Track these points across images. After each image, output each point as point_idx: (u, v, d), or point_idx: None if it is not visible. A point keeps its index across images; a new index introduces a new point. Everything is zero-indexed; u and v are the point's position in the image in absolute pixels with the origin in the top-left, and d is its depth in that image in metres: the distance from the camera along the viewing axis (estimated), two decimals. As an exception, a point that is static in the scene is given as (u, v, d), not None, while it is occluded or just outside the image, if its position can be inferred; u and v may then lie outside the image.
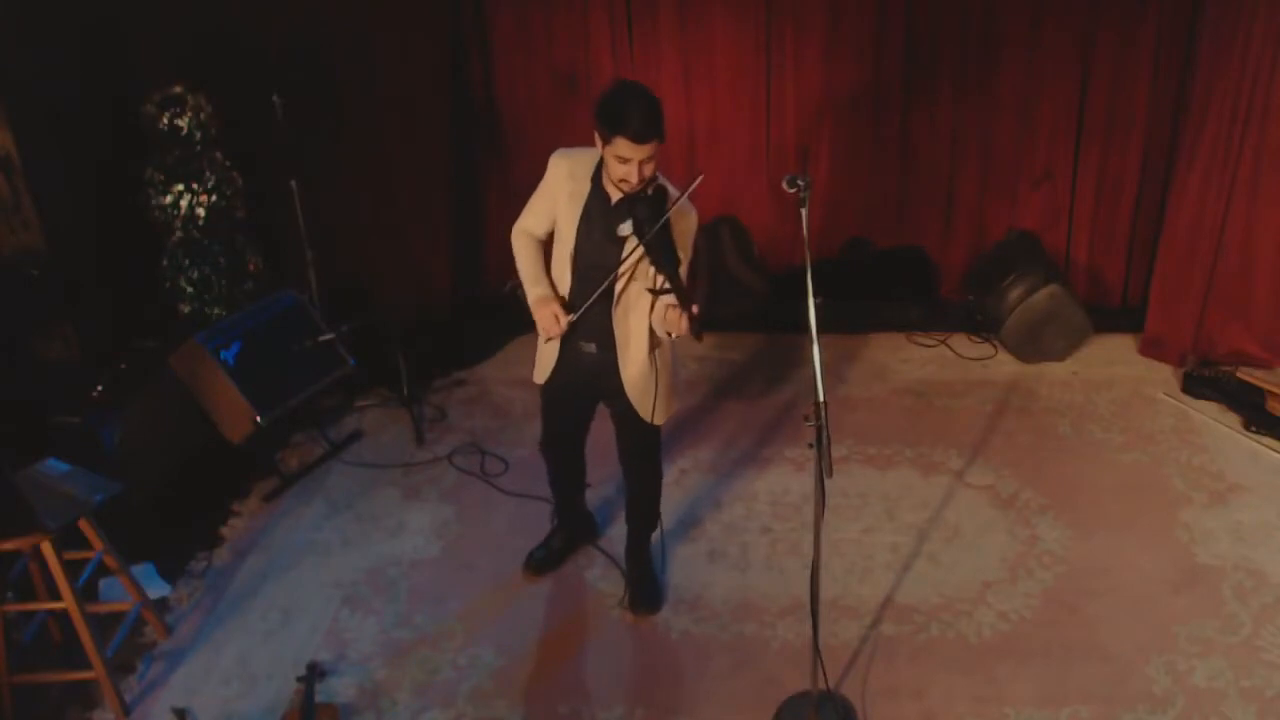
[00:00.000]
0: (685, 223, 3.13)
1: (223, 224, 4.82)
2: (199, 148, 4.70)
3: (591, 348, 3.31)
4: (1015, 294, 5.02)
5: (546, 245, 3.37)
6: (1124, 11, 4.83)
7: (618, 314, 3.22)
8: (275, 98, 4.65)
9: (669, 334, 3.09)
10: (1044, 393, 4.87)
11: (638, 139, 2.93)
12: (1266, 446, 4.40)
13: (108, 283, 4.75)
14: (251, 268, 4.97)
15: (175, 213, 4.72)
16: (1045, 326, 5.03)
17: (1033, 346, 5.07)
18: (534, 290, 3.29)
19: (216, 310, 4.84)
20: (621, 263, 3.11)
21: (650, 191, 3.01)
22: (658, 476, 3.71)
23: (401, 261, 5.39)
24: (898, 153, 5.32)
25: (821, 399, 2.72)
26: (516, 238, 3.37)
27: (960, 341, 5.29)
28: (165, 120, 4.62)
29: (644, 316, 3.21)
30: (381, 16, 4.99)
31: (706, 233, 5.42)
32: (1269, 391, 4.50)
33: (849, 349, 5.26)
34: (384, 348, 4.90)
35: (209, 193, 4.74)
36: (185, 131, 4.64)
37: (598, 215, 3.16)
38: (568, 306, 3.25)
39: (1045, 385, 4.93)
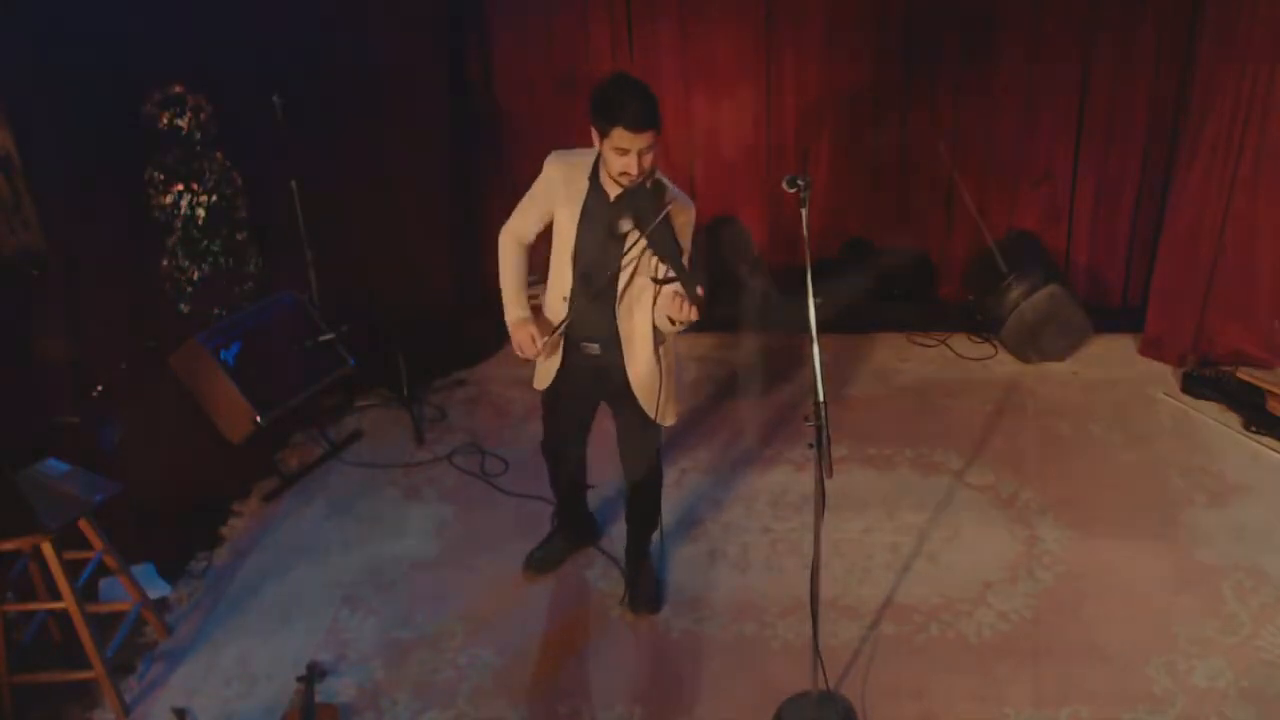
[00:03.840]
0: (685, 215, 3.13)
1: (223, 224, 4.82)
2: (199, 148, 4.70)
3: (595, 348, 3.29)
4: (1015, 294, 5.02)
5: (533, 251, 3.36)
6: (1124, 11, 4.83)
7: (621, 311, 3.21)
8: (275, 98, 4.66)
9: (671, 321, 3.04)
10: (1044, 393, 4.87)
11: (635, 128, 2.91)
12: (1266, 446, 4.40)
13: (108, 283, 4.75)
14: (251, 268, 4.97)
15: (175, 213, 4.72)
16: (1045, 326, 5.02)
17: (1033, 346, 5.07)
18: (513, 312, 3.30)
19: (216, 310, 4.84)
20: (625, 255, 3.10)
21: (649, 185, 3.00)
22: (659, 478, 3.70)
23: (401, 261, 5.39)
24: (898, 153, 5.32)
25: (821, 399, 2.72)
26: (504, 241, 3.36)
27: (960, 341, 5.29)
28: (165, 120, 4.62)
29: (647, 313, 3.20)
30: (381, 16, 5.00)
31: (706, 233, 5.43)
32: (1269, 391, 4.50)
33: (849, 349, 5.27)
34: (384, 348, 4.91)
35: (209, 193, 4.74)
36: (185, 131, 4.65)
37: (597, 213, 3.15)
38: (567, 302, 3.23)
39: (1045, 385, 4.93)
